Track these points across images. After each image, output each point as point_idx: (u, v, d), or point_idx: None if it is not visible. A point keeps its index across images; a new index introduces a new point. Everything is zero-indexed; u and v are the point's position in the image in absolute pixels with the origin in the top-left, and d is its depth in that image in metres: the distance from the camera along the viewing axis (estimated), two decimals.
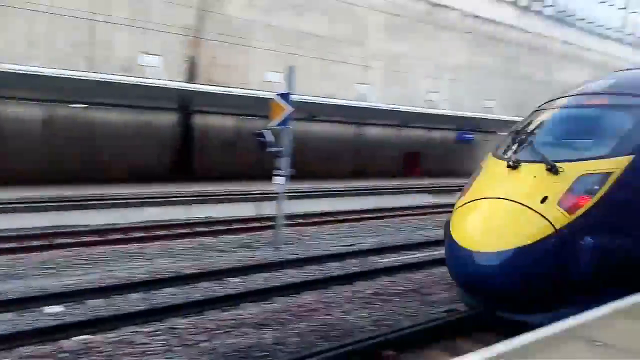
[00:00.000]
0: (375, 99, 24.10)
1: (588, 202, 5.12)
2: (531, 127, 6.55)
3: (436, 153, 28.20)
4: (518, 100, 33.26)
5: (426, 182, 22.39)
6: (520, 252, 5.02)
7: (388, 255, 11.05)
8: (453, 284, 8.72)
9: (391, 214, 17.14)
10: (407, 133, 27.08)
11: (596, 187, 5.18)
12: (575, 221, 5.06)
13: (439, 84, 29.00)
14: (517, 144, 6.25)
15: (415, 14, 27.45)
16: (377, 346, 5.81)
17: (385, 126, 26.47)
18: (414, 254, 11.28)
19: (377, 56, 26.12)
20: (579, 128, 6.07)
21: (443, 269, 9.90)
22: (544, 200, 5.18)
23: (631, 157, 5.31)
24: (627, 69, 8.08)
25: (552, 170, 5.33)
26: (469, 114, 26.61)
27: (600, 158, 5.39)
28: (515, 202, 5.30)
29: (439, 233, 13.56)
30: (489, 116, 27.75)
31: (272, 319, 6.93)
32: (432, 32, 28.45)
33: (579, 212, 5.09)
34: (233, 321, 6.79)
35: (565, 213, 5.08)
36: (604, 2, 46.58)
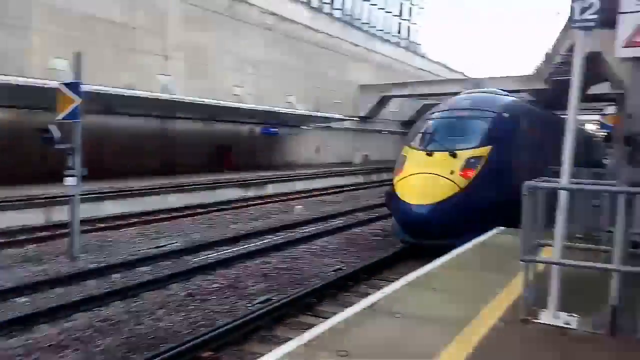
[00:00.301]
0: (180, 92, 23.16)
1: (474, 172, 9.05)
2: (430, 129, 10.45)
3: (245, 147, 28.42)
4: (315, 97, 35.49)
5: (238, 175, 22.34)
6: (440, 204, 8.80)
7: (202, 253, 10.71)
8: (267, 275, 8.89)
9: (204, 210, 16.68)
10: (218, 127, 26.68)
11: (477, 164, 9.16)
12: (469, 183, 8.94)
13: (244, 78, 29.24)
14: (426, 140, 10.13)
15: (215, 6, 27.12)
16: (194, 349, 5.57)
17: (195, 120, 25.64)
18: (229, 249, 11.14)
19: (178, 47, 25.12)
20: (459, 130, 10.10)
21: (257, 261, 10.06)
22: (451, 172, 9.03)
23: (490, 147, 9.49)
24: (475, 92, 12.86)
25: (453, 155, 9.28)
26: (273, 109, 27.45)
27: (476, 147, 9.48)
28: (435, 174, 9.13)
29: (255, 226, 13.84)
30: (292, 111, 28.99)
31: (72, 338, 6.10)
32: (234, 26, 28.50)
33: (470, 178, 8.97)
34: (23, 348, 5.79)
35: (463, 179, 8.95)
36: (383, 9, 52.58)
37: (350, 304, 7.61)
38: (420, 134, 10.45)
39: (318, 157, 35.55)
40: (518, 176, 7.13)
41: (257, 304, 7.71)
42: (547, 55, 30.29)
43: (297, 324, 6.87)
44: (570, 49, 22.10)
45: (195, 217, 15.58)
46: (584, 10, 4.24)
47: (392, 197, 9.98)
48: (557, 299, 4.36)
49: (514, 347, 3.84)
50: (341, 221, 15.14)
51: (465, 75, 55.19)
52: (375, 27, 50.54)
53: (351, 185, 27.13)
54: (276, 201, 19.44)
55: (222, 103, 23.12)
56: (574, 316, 4.39)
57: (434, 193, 8.88)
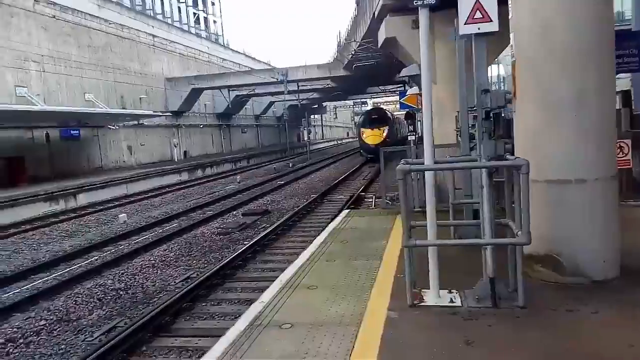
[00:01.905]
0: None
1: (384, 134, 32.76)
2: (364, 119, 35.84)
3: (43, 155, 24.53)
4: (118, 92, 32.55)
5: (38, 188, 19.15)
6: (379, 143, 30.03)
7: (13, 287, 8.95)
8: (103, 300, 7.84)
9: (2, 234, 13.98)
10: (1, 135, 22.42)
11: (384, 133, 32.87)
12: (385, 137, 32.39)
13: (27, 76, 25.19)
14: (365, 124, 34.50)
15: None
16: None
17: None
18: (47, 276, 9.50)
19: None
20: (375, 120, 34.19)
21: (88, 285, 8.71)
22: (381, 134, 32.79)
23: (387, 126, 33.53)
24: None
25: (380, 129, 33.12)
26: (70, 109, 24.30)
27: (382, 127, 33.39)
28: (376, 134, 32.94)
29: (74, 244, 11.86)
30: (93, 110, 26.02)
31: None
32: (6, 18, 24.24)
33: (384, 136, 32.58)
34: None
35: (385, 137, 32.42)
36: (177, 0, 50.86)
37: (212, 316, 7.15)
38: (362, 122, 35.52)
39: (132, 159, 32.80)
40: (395, 136, 34.13)
41: (99, 336, 6.67)
42: (345, 43, 32.37)
43: (157, 350, 6.10)
44: (365, 36, 23.96)
45: None
46: None
47: (360, 142, 34.52)
48: (437, 278, 4.49)
49: (418, 339, 3.79)
50: (176, 224, 14.09)
51: (271, 65, 56.39)
52: (170, 18, 48.49)
53: (176, 184, 25.65)
54: (93, 212, 17.30)
55: (3, 107, 19.59)
56: (452, 292, 4.58)
57: (376, 140, 31.48)
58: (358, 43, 25.79)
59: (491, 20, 4.12)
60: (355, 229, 7.96)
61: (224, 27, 66.99)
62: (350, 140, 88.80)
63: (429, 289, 4.57)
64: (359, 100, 68.66)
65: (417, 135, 16.40)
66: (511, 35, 4.98)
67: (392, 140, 31.69)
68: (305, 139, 45.37)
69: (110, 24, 32.40)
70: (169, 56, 40.53)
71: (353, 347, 3.67)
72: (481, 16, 4.13)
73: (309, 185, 21.78)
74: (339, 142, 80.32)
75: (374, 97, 68.88)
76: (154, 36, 38.16)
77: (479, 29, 4.16)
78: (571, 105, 4.62)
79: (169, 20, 46.92)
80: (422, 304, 4.39)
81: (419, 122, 15.67)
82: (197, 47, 46.60)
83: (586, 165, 4.64)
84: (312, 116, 59.28)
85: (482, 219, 4.38)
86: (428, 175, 4.47)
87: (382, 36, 18.34)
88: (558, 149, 4.69)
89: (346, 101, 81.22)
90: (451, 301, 4.40)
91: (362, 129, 33.83)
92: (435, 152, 9.12)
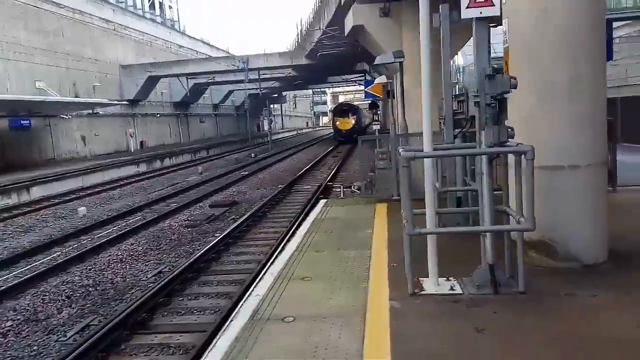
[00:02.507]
0: None
1: (352, 122, 42.37)
2: (337, 110, 46.78)
3: None
4: (71, 79, 31.12)
5: None
6: (351, 129, 40.90)
7: None
8: (72, 297, 7.53)
9: None
10: None
11: (351, 122, 42.46)
12: (354, 124, 42.19)
13: None
14: (337, 114, 44.72)
15: None
16: None
17: None
18: (7, 274, 8.98)
19: None
20: (345, 111, 44.35)
21: (54, 282, 8.25)
22: (350, 122, 42.45)
23: (355, 115, 43.14)
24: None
25: (352, 118, 42.74)
26: (19, 97, 23.02)
27: (352, 117, 42.94)
28: (346, 121, 42.66)
29: (33, 239, 11.09)
30: (44, 98, 24.73)
31: None
32: None
33: (353, 123, 42.27)
34: None
35: (353, 124, 42.24)
36: None
37: (191, 310, 6.89)
38: (335, 112, 46.78)
39: (86, 149, 31.46)
40: (361, 123, 43.28)
41: (73, 335, 6.33)
42: (308, 31, 32.08)
43: (137, 348, 5.84)
44: (330, 23, 23.80)
45: None
46: None
47: (334, 128, 44.61)
48: (436, 267, 4.44)
49: (427, 328, 3.73)
50: (140, 217, 13.58)
51: (229, 53, 55.34)
52: (124, 2, 46.56)
53: (134, 175, 24.78)
54: (49, 206, 16.45)
55: None
56: (450, 279, 4.55)
57: (346, 126, 41.86)
58: (322, 31, 25.61)
59: (493, 5, 4.06)
60: (336, 218, 7.85)
61: (180, 13, 65.17)
62: (310, 130, 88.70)
63: (426, 277, 4.53)
64: (318, 89, 68.70)
65: (380, 125, 16.63)
66: (504, 21, 4.96)
67: (359, 127, 42.37)
68: (266, 128, 44.94)
69: (61, 6, 30.82)
70: (124, 42, 39.04)
71: (363, 338, 3.56)
72: (483, 0, 4.06)
73: (274, 176, 21.52)
74: (299, 131, 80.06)
75: (334, 87, 68.95)
76: (107, 21, 36.61)
77: (480, 12, 4.08)
78: (565, 91, 4.65)
79: (123, 5, 45.11)
80: (422, 292, 4.34)
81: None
82: (153, 33, 45.07)
83: (580, 151, 4.68)
84: (272, 105, 58.59)
85: (481, 206, 4.35)
86: (427, 163, 4.40)
87: (349, 24, 18.25)
88: (552, 135, 4.72)
89: (305, 91, 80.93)
90: (451, 289, 4.36)
91: (336, 118, 44.59)
92: (409, 140, 9.14)
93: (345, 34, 19.70)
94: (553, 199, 4.73)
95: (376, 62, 12.46)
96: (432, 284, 4.43)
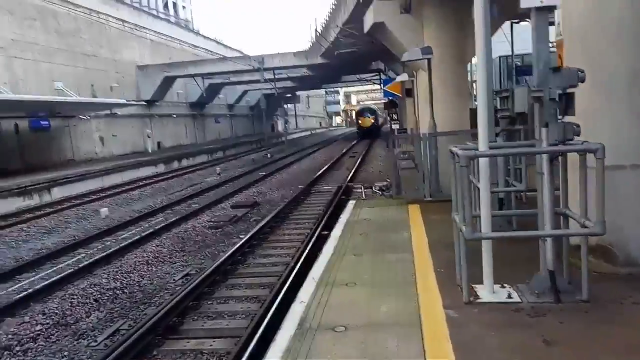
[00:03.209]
0: None
1: (372, 121, 51.48)
2: (360, 111, 55.33)
3: (12, 147, 23.23)
4: (89, 80, 31.23)
5: (9, 182, 18.06)
6: (370, 126, 50.95)
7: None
8: (100, 300, 7.36)
9: None
10: None
11: (371, 120, 51.21)
12: (373, 122, 51.46)
13: None
14: (361, 114, 53.22)
15: None
16: None
17: None
18: (34, 276, 8.89)
19: None
20: (367, 112, 52.85)
21: (81, 285, 8.12)
22: (371, 120, 51.43)
23: (375, 116, 52.64)
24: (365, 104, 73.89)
25: (372, 117, 51.53)
26: (40, 98, 23.08)
27: (372, 116, 51.87)
28: (368, 120, 51.42)
29: (57, 241, 10.99)
30: (63, 99, 24.77)
31: None
32: None
33: (372, 122, 51.29)
34: None
35: (372, 121, 51.22)
36: None
37: (221, 315, 6.71)
38: (358, 113, 54.89)
39: (104, 150, 31.56)
40: (378, 122, 53.56)
41: (103, 340, 6.18)
42: (323, 30, 31.81)
43: (170, 354, 5.67)
44: (348, 21, 23.52)
45: None
46: None
47: (357, 126, 53.39)
48: (491, 273, 4.20)
49: (490, 339, 3.49)
50: (162, 218, 13.47)
51: (244, 53, 55.32)
52: (138, 2, 46.67)
53: (153, 176, 24.76)
54: (71, 207, 16.41)
55: None
56: (505, 287, 4.30)
57: (368, 124, 50.12)
58: (339, 29, 25.32)
59: None
60: (369, 220, 7.62)
61: (194, 13, 65.37)
62: (324, 129, 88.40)
63: (478, 284, 4.28)
64: (331, 89, 68.83)
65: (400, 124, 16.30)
66: (557, 13, 4.70)
67: (376, 125, 51.98)
68: (281, 129, 44.84)
69: (78, 8, 30.93)
70: (140, 43, 39.13)
71: (423, 349, 3.34)
72: None
73: (292, 176, 21.33)
74: (312, 132, 79.84)
75: (348, 86, 68.80)
76: (123, 21, 36.68)
77: (541, 2, 3.84)
78: (626, 84, 4.37)
79: (137, 5, 45.23)
80: (479, 300, 4.09)
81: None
82: (168, 33, 45.17)
83: None
84: (285, 105, 58.40)
85: (540, 209, 4.09)
86: (483, 162, 4.15)
87: (369, 21, 17.92)
88: (612, 131, 4.45)
89: (318, 90, 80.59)
90: (509, 297, 4.12)
91: (359, 117, 53.46)
92: (446, 139, 8.86)
93: (365, 31, 19.37)
94: (613, 200, 4.45)
95: (403, 59, 12.21)
96: (488, 292, 4.18)
